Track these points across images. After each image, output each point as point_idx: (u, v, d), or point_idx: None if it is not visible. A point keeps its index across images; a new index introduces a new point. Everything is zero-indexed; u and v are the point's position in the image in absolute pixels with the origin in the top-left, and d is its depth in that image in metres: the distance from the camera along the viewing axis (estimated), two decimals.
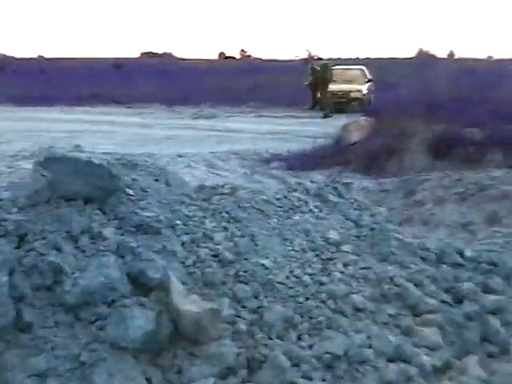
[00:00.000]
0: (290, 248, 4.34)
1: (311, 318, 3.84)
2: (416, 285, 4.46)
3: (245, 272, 3.96)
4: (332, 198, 5.11)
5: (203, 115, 23.30)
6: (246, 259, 4.07)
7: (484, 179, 8.90)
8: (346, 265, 4.39)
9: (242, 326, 3.66)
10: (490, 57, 45.14)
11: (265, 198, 4.76)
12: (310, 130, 16.85)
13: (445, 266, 4.95)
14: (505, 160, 10.99)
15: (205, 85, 31.83)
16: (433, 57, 43.73)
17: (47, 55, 75.16)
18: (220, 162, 14.01)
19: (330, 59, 34.69)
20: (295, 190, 5.08)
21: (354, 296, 4.13)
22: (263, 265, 4.05)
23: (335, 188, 5.30)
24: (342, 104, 21.46)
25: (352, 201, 5.25)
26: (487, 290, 4.71)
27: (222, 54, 75.47)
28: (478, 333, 4.25)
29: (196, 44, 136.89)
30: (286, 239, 4.41)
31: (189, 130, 19.17)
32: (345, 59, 43.93)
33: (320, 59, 25.18)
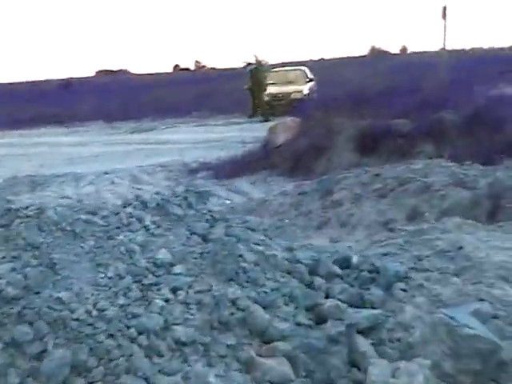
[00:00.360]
0: (103, 275, 3.50)
1: (111, 360, 3.01)
2: (266, 307, 3.63)
3: (31, 309, 3.11)
4: (178, 210, 4.26)
5: (141, 129, 22.48)
6: (37, 293, 3.22)
7: (404, 172, 8.14)
8: (175, 290, 3.55)
9: (14, 379, 2.83)
10: (442, 49, 44.49)
11: (83, 217, 3.91)
12: (246, 135, 16.05)
13: (319, 279, 4.15)
14: (436, 150, 10.26)
15: (151, 98, 31.03)
16: (385, 53, 43.14)
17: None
18: (145, 176, 13.23)
19: (282, 63, 34.05)
20: (129, 205, 4.22)
21: (178, 328, 3.29)
22: (59, 298, 3.20)
23: (185, 198, 4.44)
24: (283, 106, 20.61)
25: (205, 211, 4.39)
26: (362, 303, 3.90)
27: (176, 66, 74.66)
28: (342, 358, 3.43)
29: (152, 58, 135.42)
30: (99, 265, 3.57)
31: (122, 145, 18.32)
32: (297, 62, 43.36)
33: (249, 64, 24.35)
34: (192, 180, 12.35)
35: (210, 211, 4.42)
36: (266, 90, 21.64)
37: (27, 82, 60.13)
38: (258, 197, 10.12)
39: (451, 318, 3.14)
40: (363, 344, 3.49)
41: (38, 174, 14.10)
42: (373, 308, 3.84)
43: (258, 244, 4.24)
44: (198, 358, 3.22)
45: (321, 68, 32.74)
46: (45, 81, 60.43)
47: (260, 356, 3.35)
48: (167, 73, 69.42)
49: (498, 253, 4.35)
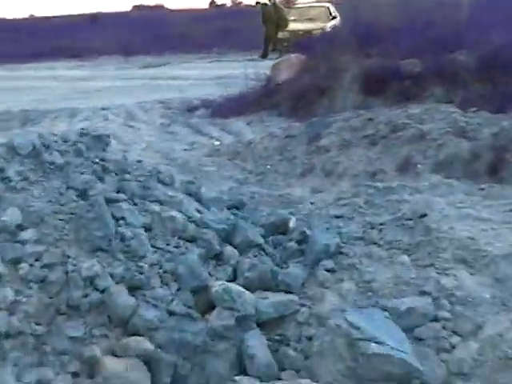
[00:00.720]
0: None
1: None
2: (136, 288, 2.76)
3: None
4: (58, 159, 3.34)
5: (155, 64, 21.45)
6: None
7: (399, 118, 7.13)
8: (15, 262, 2.70)
9: None
10: None
11: None
12: (261, 73, 14.98)
13: (230, 250, 3.29)
14: (446, 94, 9.15)
15: (177, 34, 29.86)
16: None
17: (39, 14, 73.46)
18: (141, 113, 12.35)
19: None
20: None
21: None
22: None
23: (75, 144, 3.53)
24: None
25: (97, 160, 3.47)
26: (275, 285, 3.02)
27: (212, 2, 72.79)
28: (230, 360, 2.60)
29: None
30: None
31: (130, 80, 17.41)
32: None
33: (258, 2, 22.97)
34: (188, 118, 11.47)
35: (103, 160, 3.50)
36: (287, 26, 20.40)
37: (64, 16, 59.30)
38: (249, 138, 9.21)
39: (356, 326, 2.23)
40: (256, 344, 2.61)
41: (35, 108, 13.36)
42: (287, 292, 2.95)
43: (160, 202, 3.34)
44: (22, 354, 2.39)
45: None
46: (79, 15, 59.47)
47: (113, 355, 2.50)
48: (203, 9, 67.90)
49: (467, 225, 3.40)
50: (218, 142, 9.51)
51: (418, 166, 6.51)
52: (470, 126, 6.63)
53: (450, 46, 9.66)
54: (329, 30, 19.30)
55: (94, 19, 41.29)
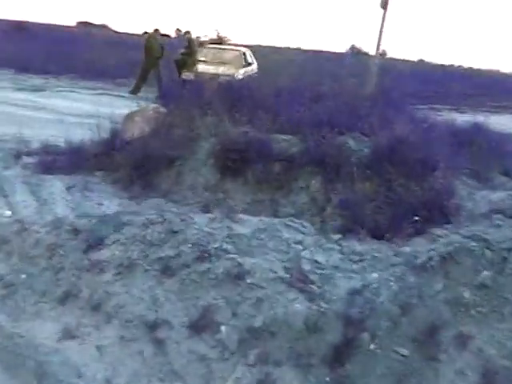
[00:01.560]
0: None
1: None
2: None
3: None
4: None
5: (31, 87, 18.51)
6: None
7: (217, 237, 4.57)
8: None
9: None
10: (378, 50, 40.97)
11: None
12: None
13: None
14: (325, 189, 6.68)
15: (94, 57, 27.01)
16: (365, 54, 39.03)
17: None
18: None
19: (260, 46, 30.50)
20: None
21: None
22: None
23: None
24: None
25: None
26: None
27: (156, 30, 70.51)
28: None
29: (139, 19, 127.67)
30: None
31: None
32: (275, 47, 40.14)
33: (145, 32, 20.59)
34: (6, 168, 8.68)
35: None
36: (194, 66, 17.90)
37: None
38: (49, 218, 6.47)
39: None
40: None
41: None
42: None
43: None
44: None
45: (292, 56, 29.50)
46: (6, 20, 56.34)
47: None
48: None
49: None
50: (8, 213, 6.85)
51: (222, 327, 3.95)
52: (319, 269, 4.12)
53: (342, 126, 7.19)
54: (240, 77, 16.97)
55: (20, 28, 38.04)
